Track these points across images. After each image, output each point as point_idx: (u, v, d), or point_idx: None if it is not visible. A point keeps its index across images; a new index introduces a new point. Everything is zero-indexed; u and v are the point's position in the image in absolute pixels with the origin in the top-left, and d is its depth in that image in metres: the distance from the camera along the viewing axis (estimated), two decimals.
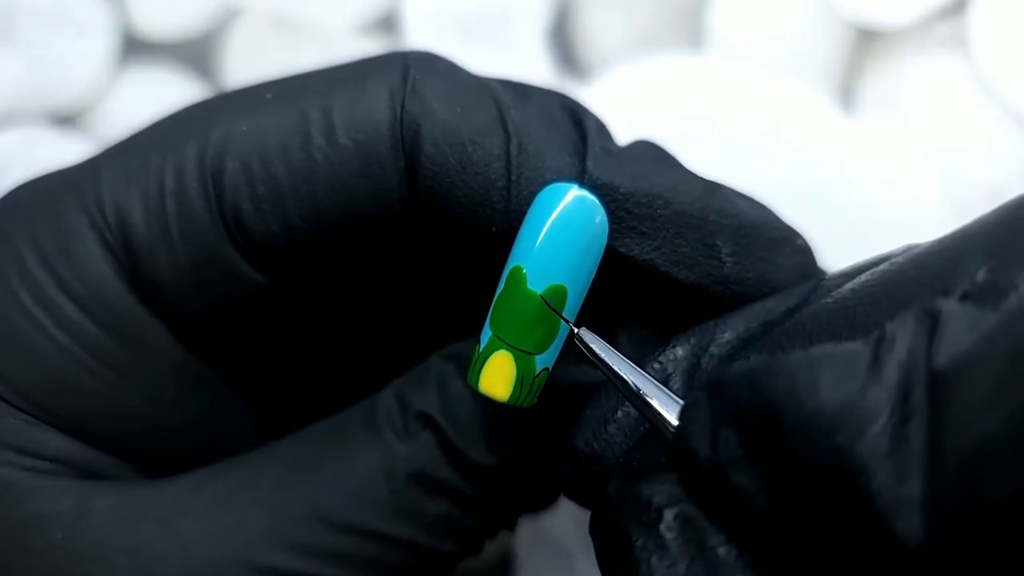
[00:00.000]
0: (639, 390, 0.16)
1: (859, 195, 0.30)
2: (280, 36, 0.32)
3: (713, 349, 0.17)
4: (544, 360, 0.17)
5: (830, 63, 0.32)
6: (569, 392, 0.19)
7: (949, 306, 0.13)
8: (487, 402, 0.18)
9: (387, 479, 0.18)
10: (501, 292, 0.17)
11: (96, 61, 0.32)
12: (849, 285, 0.16)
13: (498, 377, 0.17)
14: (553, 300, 0.17)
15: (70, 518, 0.18)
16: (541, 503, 0.22)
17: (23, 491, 0.18)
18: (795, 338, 0.16)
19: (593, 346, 0.17)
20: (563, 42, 0.32)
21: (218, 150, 0.18)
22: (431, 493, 0.18)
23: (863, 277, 0.16)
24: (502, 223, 0.18)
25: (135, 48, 0.32)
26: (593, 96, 0.31)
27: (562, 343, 0.17)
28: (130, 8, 0.32)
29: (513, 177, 0.18)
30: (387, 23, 0.32)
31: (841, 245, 0.30)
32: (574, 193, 0.17)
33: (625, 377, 0.16)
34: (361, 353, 0.22)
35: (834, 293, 0.16)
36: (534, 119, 0.18)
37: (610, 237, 0.18)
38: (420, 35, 0.32)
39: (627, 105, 0.31)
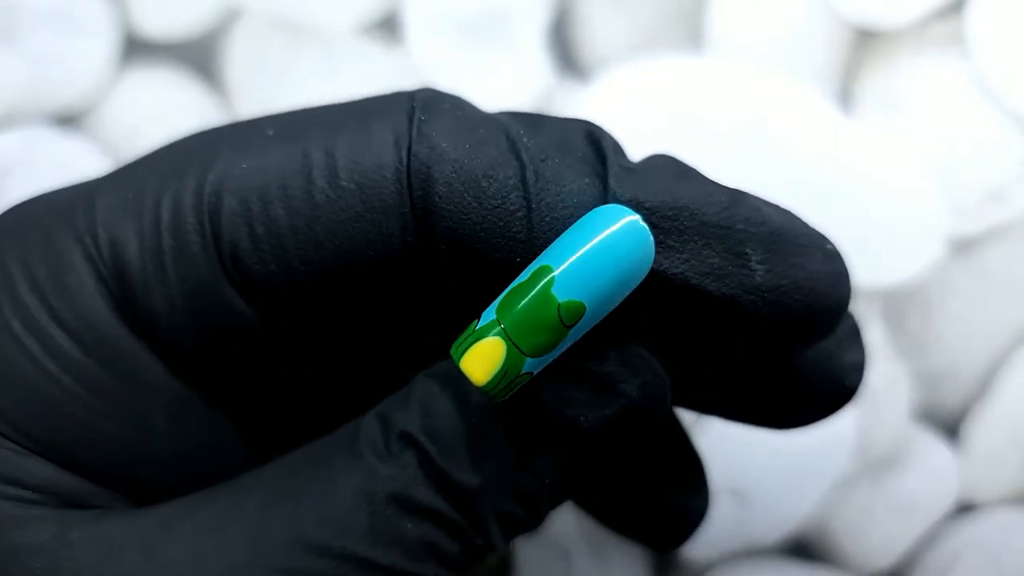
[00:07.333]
0: None
1: (857, 195, 0.30)
2: (281, 36, 0.32)
3: None
4: (533, 365, 0.17)
5: (829, 63, 0.32)
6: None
7: None
8: (473, 419, 0.18)
9: (367, 502, 0.18)
10: (521, 282, 0.17)
11: (97, 61, 0.32)
12: None
13: (483, 361, 0.17)
14: (569, 314, 0.16)
15: (51, 547, 0.17)
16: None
17: (5, 521, 0.18)
18: None
19: None
20: (563, 42, 0.32)
21: (216, 187, 0.18)
22: (412, 515, 0.18)
23: None
24: (526, 253, 0.17)
25: (136, 48, 0.32)
26: (593, 96, 0.31)
27: (558, 355, 0.17)
28: (131, 8, 0.32)
29: (533, 206, 0.17)
30: (388, 23, 0.32)
31: (840, 244, 0.30)
32: (629, 219, 0.16)
33: None
34: (359, 384, 0.21)
35: None
36: (548, 145, 0.18)
37: None
38: (420, 35, 0.32)
39: (627, 105, 0.31)
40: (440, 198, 0.17)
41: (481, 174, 0.17)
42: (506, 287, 0.17)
